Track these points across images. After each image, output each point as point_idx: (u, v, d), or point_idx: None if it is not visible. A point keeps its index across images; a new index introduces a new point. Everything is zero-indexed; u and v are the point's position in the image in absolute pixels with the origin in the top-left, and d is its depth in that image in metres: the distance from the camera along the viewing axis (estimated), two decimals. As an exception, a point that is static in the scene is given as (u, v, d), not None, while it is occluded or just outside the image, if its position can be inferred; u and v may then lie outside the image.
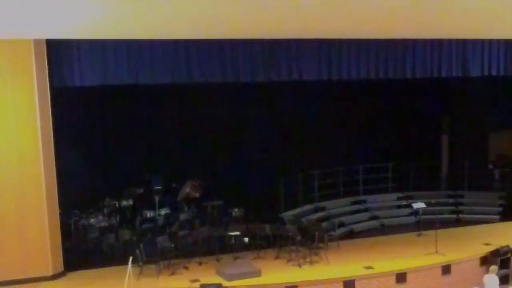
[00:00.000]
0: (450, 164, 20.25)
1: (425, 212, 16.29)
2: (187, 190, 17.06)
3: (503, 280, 13.82)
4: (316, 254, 14.01)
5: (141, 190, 16.93)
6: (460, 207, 18.78)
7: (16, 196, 12.63)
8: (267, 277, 12.96)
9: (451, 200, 19.10)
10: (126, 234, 14.85)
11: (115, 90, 14.64)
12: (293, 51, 14.33)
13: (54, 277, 13.03)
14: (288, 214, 16.93)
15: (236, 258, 14.10)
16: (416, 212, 17.20)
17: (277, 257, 14.23)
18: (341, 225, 16.86)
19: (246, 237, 14.22)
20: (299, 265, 13.65)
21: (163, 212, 16.36)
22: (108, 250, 14.52)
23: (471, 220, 17.75)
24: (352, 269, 13.38)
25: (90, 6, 9.26)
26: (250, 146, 18.08)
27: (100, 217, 15.77)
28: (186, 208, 16.68)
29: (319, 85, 16.31)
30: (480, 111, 19.66)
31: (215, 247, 14.39)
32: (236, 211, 16.54)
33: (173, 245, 13.68)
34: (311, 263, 13.78)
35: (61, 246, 13.36)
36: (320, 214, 17.54)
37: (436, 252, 14.29)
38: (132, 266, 11.92)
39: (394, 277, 13.29)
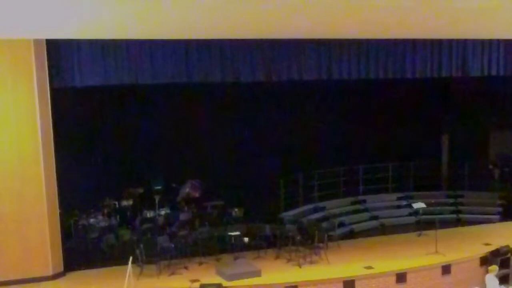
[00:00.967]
0: (450, 164, 20.26)
1: (425, 212, 16.28)
2: (187, 190, 17.07)
3: (503, 280, 13.83)
4: (316, 254, 14.01)
5: (141, 190, 16.94)
6: (460, 207, 18.81)
7: (16, 196, 12.63)
8: (267, 277, 12.95)
9: (451, 200, 19.12)
10: (126, 234, 14.87)
11: (115, 90, 14.64)
12: (293, 51, 14.34)
13: (54, 277, 13.02)
14: (288, 214, 16.93)
15: (236, 258, 14.10)
16: (416, 212, 17.20)
17: (277, 257, 14.22)
18: (341, 225, 16.87)
19: (246, 237, 14.20)
20: (299, 265, 13.65)
21: (163, 212, 16.36)
22: (108, 250, 14.51)
23: (471, 220, 17.77)
24: (352, 269, 13.37)
25: (91, 6, 9.26)
26: (250, 146, 18.08)
27: (100, 217, 15.77)
28: (186, 208, 16.68)
29: (319, 85, 16.32)
30: (480, 111, 19.67)
31: (215, 247, 14.39)
32: (236, 211, 16.53)
33: (173, 245, 13.67)
34: (311, 263, 13.78)
35: (61, 246, 13.35)
36: (320, 214, 17.55)
37: (436, 252, 14.28)
38: (132, 266, 11.92)
39: (394, 277, 13.28)
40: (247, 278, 12.77)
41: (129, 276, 11.54)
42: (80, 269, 13.61)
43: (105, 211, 16.06)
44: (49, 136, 13.00)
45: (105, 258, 14.20)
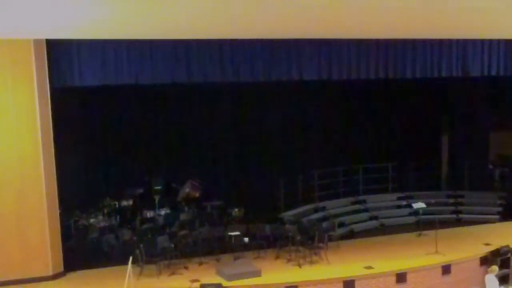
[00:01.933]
0: (450, 164, 20.26)
1: (425, 212, 16.30)
2: (187, 190, 17.07)
3: (503, 280, 13.83)
4: (316, 254, 14.01)
5: (141, 190, 16.95)
6: (460, 207, 18.79)
7: (16, 196, 12.63)
8: (267, 277, 12.95)
9: (451, 200, 19.11)
10: (126, 234, 14.85)
11: (115, 90, 14.64)
12: (293, 51, 14.34)
13: (54, 277, 13.03)
14: (288, 214, 16.93)
15: (236, 258, 14.10)
16: (416, 212, 17.19)
17: (277, 257, 14.22)
18: (341, 225, 16.87)
19: (246, 237, 14.20)
20: (299, 265, 13.65)
21: (163, 212, 16.37)
22: (108, 250, 14.51)
23: (471, 220, 17.76)
24: (352, 269, 13.37)
25: (90, 6, 9.26)
26: (250, 146, 18.08)
27: (100, 217, 15.79)
28: (186, 208, 16.69)
29: (319, 85, 16.33)
30: (480, 111, 19.67)
31: (215, 247, 14.39)
32: (236, 211, 16.54)
33: (173, 245, 13.67)
34: (311, 263, 13.78)
35: (61, 246, 13.35)
36: (320, 214, 17.55)
37: (436, 252, 14.28)
38: (132, 266, 11.92)
39: (394, 277, 13.28)
40: (247, 278, 12.77)
41: (129, 276, 11.54)
42: (80, 269, 13.60)
43: (105, 211, 16.08)
44: (49, 136, 13.00)
45: (105, 258, 14.21)
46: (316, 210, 17.88)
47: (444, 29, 13.31)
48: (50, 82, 12.95)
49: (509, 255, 14.42)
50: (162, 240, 13.67)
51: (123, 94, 15.64)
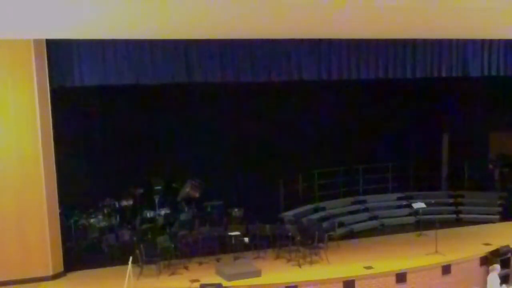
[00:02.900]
0: (450, 164, 20.25)
1: (425, 212, 16.30)
2: (187, 190, 17.05)
3: (504, 280, 13.81)
4: (316, 254, 14.01)
5: (141, 190, 16.93)
6: (460, 207, 18.77)
7: (16, 196, 12.64)
8: (267, 277, 12.96)
9: (451, 200, 19.10)
10: (126, 234, 14.85)
11: (115, 90, 14.63)
12: (293, 51, 14.34)
13: (54, 277, 13.03)
14: (288, 214, 16.92)
15: (236, 258, 14.10)
16: (416, 212, 17.19)
17: (277, 257, 14.23)
18: (341, 225, 16.86)
19: (246, 237, 14.20)
20: (299, 265, 13.65)
21: (163, 212, 16.36)
22: (108, 250, 14.52)
23: (471, 220, 17.76)
24: (352, 269, 13.37)
25: (91, 6, 9.26)
26: (250, 146, 18.07)
27: (100, 217, 15.77)
28: (186, 208, 16.69)
29: (319, 85, 16.32)
30: (480, 111, 19.66)
31: (215, 247, 14.39)
32: (236, 211, 16.53)
33: (173, 245, 13.67)
34: (311, 263, 13.78)
35: (61, 246, 13.36)
36: (320, 214, 17.54)
37: (436, 252, 14.28)
38: (132, 266, 11.92)
39: (394, 277, 13.28)
40: (247, 278, 12.77)
41: (129, 276, 11.54)
42: (80, 269, 13.60)
43: (105, 211, 16.06)
44: (49, 136, 13.01)
45: (105, 258, 14.21)
46: (316, 210, 17.88)
47: (444, 29, 13.31)
48: (50, 82, 12.95)
49: (509, 255, 14.42)
50: (162, 240, 13.69)
51: (123, 94, 15.62)
